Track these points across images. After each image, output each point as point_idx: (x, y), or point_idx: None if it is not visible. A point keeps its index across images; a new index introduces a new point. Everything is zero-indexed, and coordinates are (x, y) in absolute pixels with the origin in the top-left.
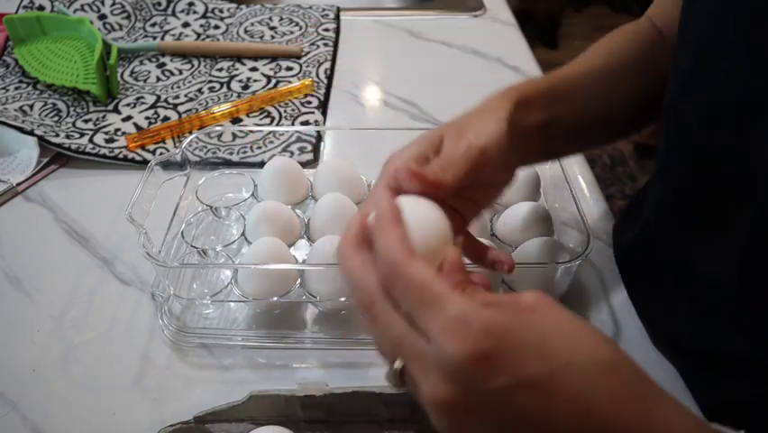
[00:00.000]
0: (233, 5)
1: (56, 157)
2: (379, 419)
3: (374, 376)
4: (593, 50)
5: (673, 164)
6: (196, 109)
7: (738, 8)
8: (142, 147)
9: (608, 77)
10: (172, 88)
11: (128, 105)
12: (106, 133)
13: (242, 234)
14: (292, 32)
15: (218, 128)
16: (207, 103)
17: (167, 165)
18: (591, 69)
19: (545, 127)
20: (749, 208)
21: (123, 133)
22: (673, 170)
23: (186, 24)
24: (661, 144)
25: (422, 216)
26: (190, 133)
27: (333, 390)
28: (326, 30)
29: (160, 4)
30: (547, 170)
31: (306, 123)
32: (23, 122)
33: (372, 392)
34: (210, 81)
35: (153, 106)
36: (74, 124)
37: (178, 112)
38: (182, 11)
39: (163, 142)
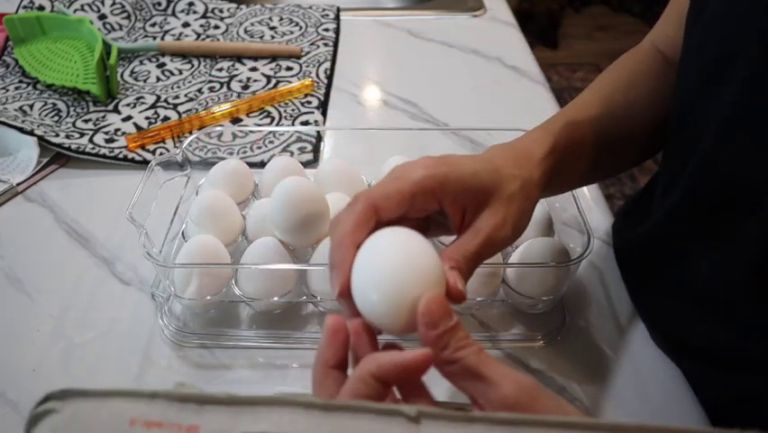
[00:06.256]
0: (233, 5)
1: (56, 157)
2: None
3: None
4: (608, 84)
5: (683, 174)
6: (196, 109)
7: (745, 20)
8: (142, 147)
9: (626, 114)
10: (172, 88)
11: (128, 105)
12: (106, 133)
13: (243, 233)
14: (292, 32)
15: (218, 128)
16: (207, 103)
17: (167, 165)
18: (612, 109)
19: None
20: (762, 215)
21: (123, 133)
22: (682, 180)
23: (186, 24)
24: (667, 154)
25: (413, 259)
26: (190, 133)
27: None
28: (326, 30)
29: (159, 4)
30: None
31: (306, 123)
32: (23, 122)
33: None
34: (210, 81)
35: (153, 106)
36: (74, 124)
37: (178, 112)
38: (182, 11)
39: (163, 142)
